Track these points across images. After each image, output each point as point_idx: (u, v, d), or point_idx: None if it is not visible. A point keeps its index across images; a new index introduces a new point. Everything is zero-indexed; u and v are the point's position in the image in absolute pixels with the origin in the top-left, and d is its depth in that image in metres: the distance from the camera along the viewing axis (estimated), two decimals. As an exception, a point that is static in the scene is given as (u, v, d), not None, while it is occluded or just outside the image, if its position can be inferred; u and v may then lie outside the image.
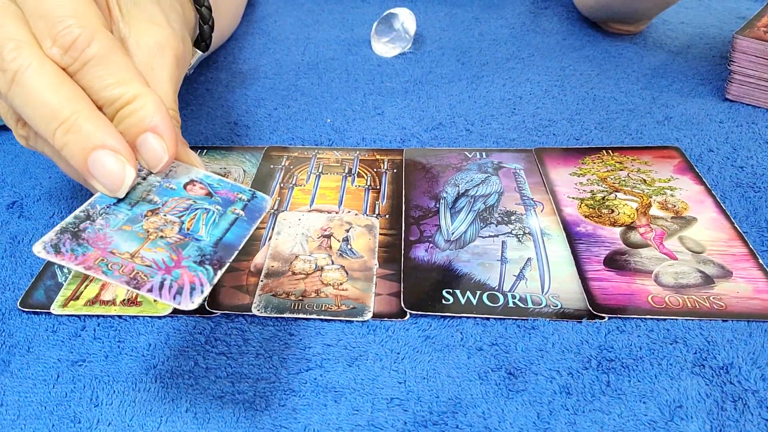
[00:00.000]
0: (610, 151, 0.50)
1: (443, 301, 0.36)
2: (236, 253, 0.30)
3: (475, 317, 0.35)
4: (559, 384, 0.31)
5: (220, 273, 0.28)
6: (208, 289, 0.27)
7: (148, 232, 0.29)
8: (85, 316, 0.36)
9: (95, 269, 0.27)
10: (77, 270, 0.27)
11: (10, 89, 0.29)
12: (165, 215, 0.30)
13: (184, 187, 0.32)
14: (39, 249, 0.27)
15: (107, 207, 0.30)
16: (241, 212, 0.32)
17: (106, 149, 0.29)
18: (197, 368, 0.33)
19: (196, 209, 0.31)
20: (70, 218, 0.29)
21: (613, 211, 0.43)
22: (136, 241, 0.29)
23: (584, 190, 0.45)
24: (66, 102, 0.29)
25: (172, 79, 0.35)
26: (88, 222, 0.29)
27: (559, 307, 0.36)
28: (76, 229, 0.28)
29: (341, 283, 0.37)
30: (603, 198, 0.44)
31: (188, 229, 0.30)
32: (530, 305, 0.36)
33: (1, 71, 0.29)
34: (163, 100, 0.32)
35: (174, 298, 0.27)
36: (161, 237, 0.29)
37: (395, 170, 0.48)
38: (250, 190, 0.34)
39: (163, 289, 0.27)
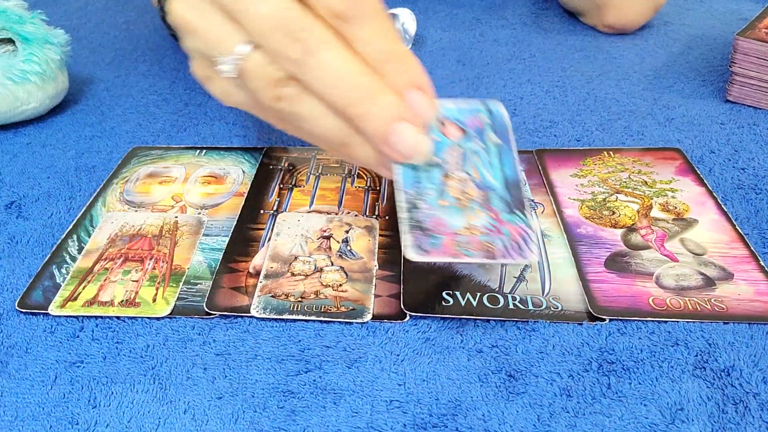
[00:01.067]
0: (611, 152, 0.50)
1: (443, 303, 0.36)
2: (523, 185, 0.30)
3: (476, 319, 0.35)
4: (559, 386, 0.31)
5: (527, 213, 0.30)
6: (534, 234, 0.28)
7: (459, 200, 0.30)
8: (83, 317, 0.36)
9: (459, 255, 0.28)
10: (446, 261, 0.27)
11: (306, 64, 0.29)
12: (454, 174, 0.31)
13: (442, 132, 0.32)
14: (413, 255, 0.28)
15: (415, 188, 0.30)
16: (496, 138, 0.32)
17: (405, 122, 0.29)
18: (195, 369, 0.33)
19: (468, 155, 0.31)
20: (404, 214, 0.29)
21: (614, 213, 0.43)
22: (459, 213, 0.30)
23: (585, 192, 0.45)
24: (361, 74, 0.29)
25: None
26: (417, 211, 0.29)
27: (559, 309, 0.35)
28: (419, 223, 0.29)
29: (341, 285, 0.37)
30: (604, 199, 0.44)
31: (479, 181, 0.31)
32: (530, 307, 0.35)
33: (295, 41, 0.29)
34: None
35: (520, 255, 0.28)
36: (471, 200, 0.30)
37: (395, 171, 0.48)
38: (481, 104, 0.33)
39: (509, 250, 0.28)
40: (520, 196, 0.30)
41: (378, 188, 0.46)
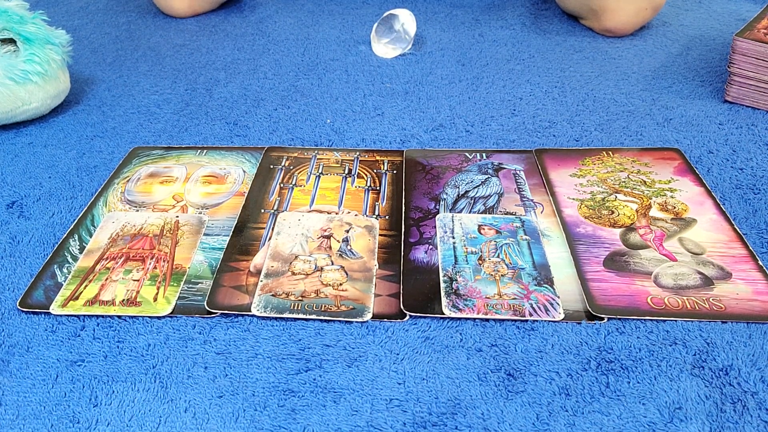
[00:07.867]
0: (610, 152, 0.50)
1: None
2: (551, 267, 0.38)
3: (475, 318, 0.35)
4: (558, 385, 0.31)
5: (554, 286, 0.37)
6: (558, 299, 0.36)
7: (493, 275, 0.37)
8: (84, 316, 0.36)
9: (490, 312, 0.35)
10: (479, 317, 0.34)
11: None
12: (489, 259, 0.38)
13: (479, 231, 0.41)
14: (448, 312, 0.35)
15: (452, 269, 0.38)
16: (527, 237, 0.40)
17: None
18: (196, 368, 0.33)
19: (501, 246, 0.39)
20: (443, 285, 0.37)
21: (613, 213, 0.43)
22: (492, 284, 0.37)
23: (584, 191, 0.45)
24: None
25: None
26: (454, 283, 0.37)
27: (558, 308, 0.36)
28: (456, 291, 0.36)
29: (341, 284, 0.37)
30: (603, 199, 0.44)
31: (510, 264, 0.38)
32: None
33: None
34: None
35: (547, 313, 0.35)
36: (502, 275, 0.37)
37: (395, 171, 0.48)
38: (515, 216, 0.42)
39: (536, 311, 0.35)
40: (549, 275, 0.37)
41: (378, 188, 0.46)
